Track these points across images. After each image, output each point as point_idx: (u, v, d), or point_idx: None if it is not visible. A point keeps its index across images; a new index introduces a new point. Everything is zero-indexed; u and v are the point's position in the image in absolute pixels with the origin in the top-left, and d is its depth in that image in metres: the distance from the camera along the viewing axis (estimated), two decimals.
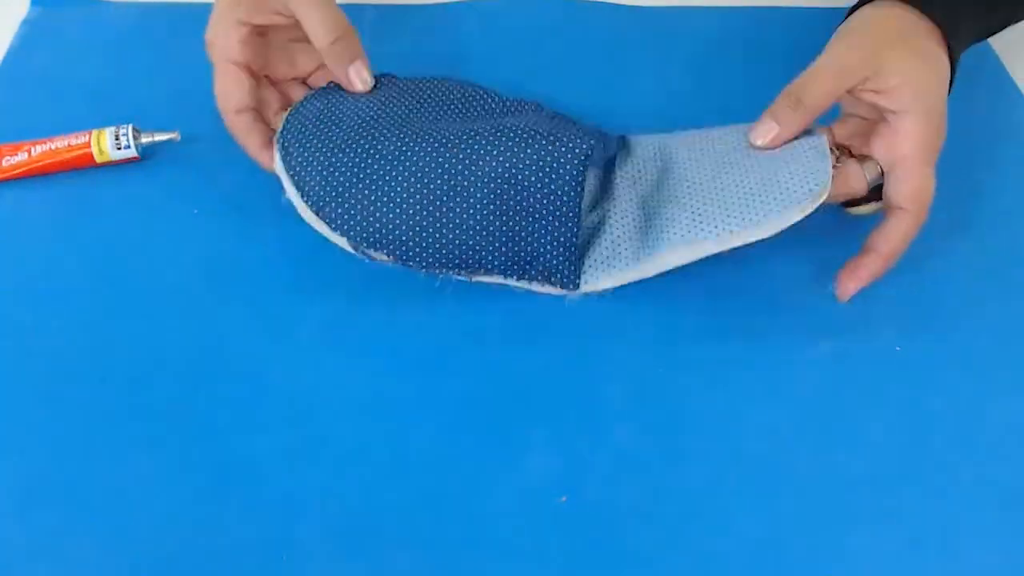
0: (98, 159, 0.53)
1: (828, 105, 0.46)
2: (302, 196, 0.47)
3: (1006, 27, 0.54)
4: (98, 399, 0.44)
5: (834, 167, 0.46)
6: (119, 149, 0.53)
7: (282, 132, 0.49)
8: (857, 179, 0.47)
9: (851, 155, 0.48)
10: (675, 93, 0.61)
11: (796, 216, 0.44)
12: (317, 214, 0.46)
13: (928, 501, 0.42)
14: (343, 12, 0.49)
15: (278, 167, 0.48)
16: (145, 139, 0.54)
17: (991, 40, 0.65)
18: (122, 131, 0.53)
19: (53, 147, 0.53)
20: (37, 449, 0.43)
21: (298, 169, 0.47)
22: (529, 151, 0.46)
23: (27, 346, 0.46)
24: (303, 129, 0.48)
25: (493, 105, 0.53)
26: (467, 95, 0.53)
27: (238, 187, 0.54)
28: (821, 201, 0.45)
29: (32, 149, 0.53)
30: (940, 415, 0.45)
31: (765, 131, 0.47)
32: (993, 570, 0.40)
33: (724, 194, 0.46)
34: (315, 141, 0.47)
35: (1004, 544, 0.41)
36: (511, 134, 0.46)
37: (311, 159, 0.47)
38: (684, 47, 0.64)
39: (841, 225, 0.52)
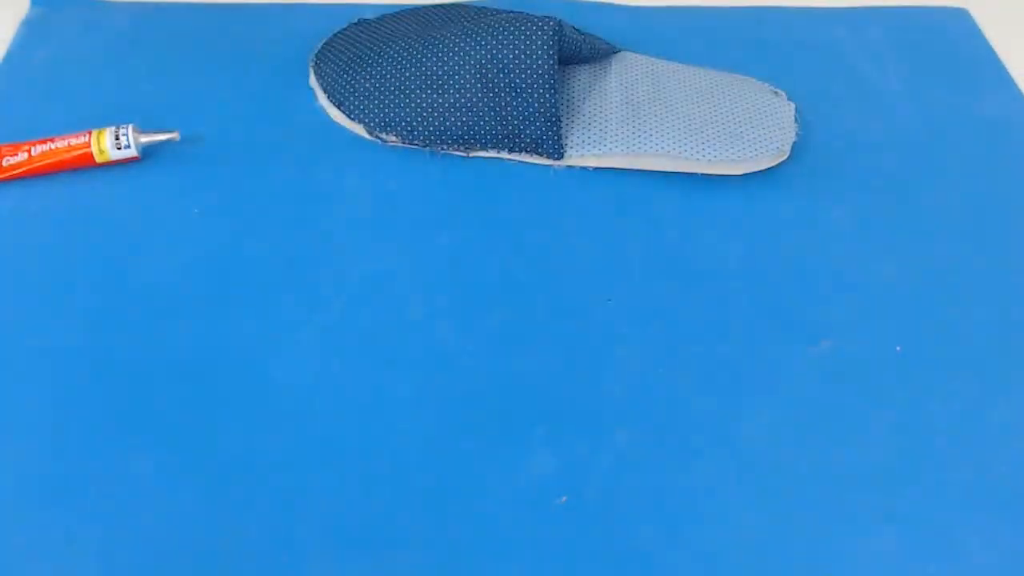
0: (98, 159, 0.53)
1: None
2: (328, 96, 0.58)
3: None
4: (97, 400, 0.44)
5: None
6: (119, 149, 0.53)
7: (316, 56, 0.61)
8: None
9: None
10: None
11: (759, 167, 0.54)
12: (338, 107, 0.57)
13: (928, 501, 0.42)
14: None
15: (312, 81, 0.60)
16: (145, 139, 0.54)
17: (992, 41, 0.65)
18: (122, 131, 0.53)
19: (53, 147, 0.53)
20: (37, 449, 0.42)
21: (325, 77, 0.59)
22: (507, 34, 0.53)
23: (27, 346, 0.46)
24: (330, 51, 0.60)
25: (487, 12, 0.60)
26: (466, 10, 0.62)
27: (238, 187, 0.54)
28: (779, 161, 0.55)
29: (32, 149, 0.53)
30: (940, 415, 0.45)
31: None
32: (993, 570, 0.40)
33: (707, 126, 0.55)
34: (338, 56, 0.59)
35: (1004, 544, 0.41)
36: (493, 23, 0.54)
37: (334, 68, 0.59)
38: (684, 47, 0.64)
39: (831, 231, 0.53)
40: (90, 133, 0.53)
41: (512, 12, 0.57)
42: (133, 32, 0.63)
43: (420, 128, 0.55)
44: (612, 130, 0.55)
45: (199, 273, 0.49)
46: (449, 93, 0.54)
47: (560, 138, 0.54)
